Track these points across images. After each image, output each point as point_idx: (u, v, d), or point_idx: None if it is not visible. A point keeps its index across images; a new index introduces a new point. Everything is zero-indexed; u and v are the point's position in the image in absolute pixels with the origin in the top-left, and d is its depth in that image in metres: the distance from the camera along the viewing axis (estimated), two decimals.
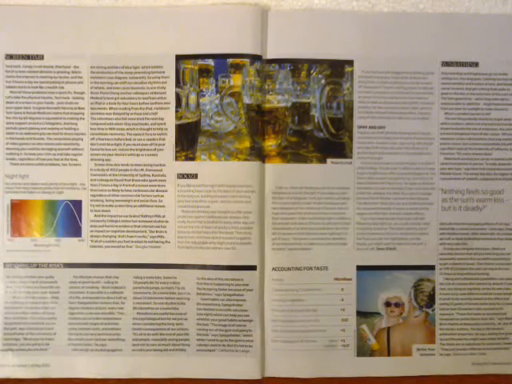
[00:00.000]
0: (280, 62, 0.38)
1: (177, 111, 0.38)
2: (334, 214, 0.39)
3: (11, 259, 0.38)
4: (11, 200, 0.38)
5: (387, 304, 0.39)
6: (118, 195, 0.39)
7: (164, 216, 0.38)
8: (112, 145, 0.38)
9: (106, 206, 0.39)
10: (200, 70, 0.38)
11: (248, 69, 0.38)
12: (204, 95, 0.38)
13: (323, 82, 0.39)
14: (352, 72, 0.39)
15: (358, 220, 0.39)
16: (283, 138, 0.39)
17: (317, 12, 0.39)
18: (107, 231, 0.39)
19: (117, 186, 0.39)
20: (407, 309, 0.39)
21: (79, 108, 0.38)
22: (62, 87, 0.38)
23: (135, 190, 0.38)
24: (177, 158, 0.38)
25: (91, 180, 0.39)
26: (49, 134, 0.38)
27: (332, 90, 0.39)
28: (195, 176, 0.38)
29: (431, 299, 0.39)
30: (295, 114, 0.39)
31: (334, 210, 0.39)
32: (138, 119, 0.38)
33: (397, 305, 0.39)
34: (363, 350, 0.39)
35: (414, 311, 0.39)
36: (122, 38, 0.38)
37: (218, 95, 0.38)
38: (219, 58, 0.38)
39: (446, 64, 0.39)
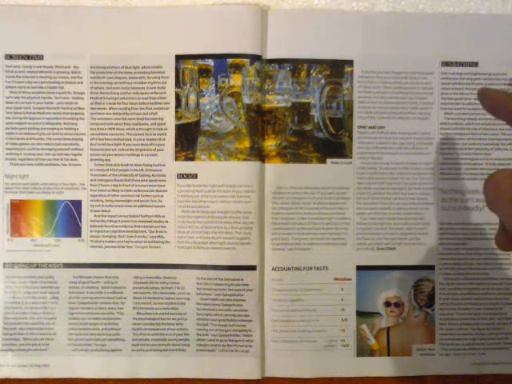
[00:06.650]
0: (280, 61, 0.38)
1: (177, 111, 0.38)
2: (333, 213, 0.39)
3: (11, 259, 0.38)
4: (11, 200, 0.38)
5: (387, 304, 0.39)
6: (117, 195, 0.39)
7: (164, 216, 0.38)
8: (112, 145, 0.38)
9: (106, 205, 0.39)
10: (200, 70, 0.38)
11: (248, 69, 0.38)
12: (204, 95, 0.38)
13: (323, 82, 0.39)
14: (352, 72, 0.39)
15: (357, 220, 0.39)
16: (283, 138, 0.39)
17: (317, 12, 0.39)
18: (107, 231, 0.39)
19: (117, 186, 0.39)
20: (407, 309, 0.39)
21: (79, 108, 0.38)
22: (62, 87, 0.38)
23: (135, 190, 0.38)
24: (177, 158, 0.38)
25: (91, 180, 0.39)
26: (49, 134, 0.38)
27: (332, 89, 0.39)
28: (195, 176, 0.38)
29: (431, 299, 0.39)
30: (295, 114, 0.39)
31: (334, 210, 0.39)
32: (137, 119, 0.38)
33: (396, 305, 0.39)
34: (363, 350, 0.39)
35: (414, 311, 0.39)
36: (122, 38, 0.38)
37: (217, 95, 0.38)
38: (219, 58, 0.38)
39: (446, 64, 0.39)
